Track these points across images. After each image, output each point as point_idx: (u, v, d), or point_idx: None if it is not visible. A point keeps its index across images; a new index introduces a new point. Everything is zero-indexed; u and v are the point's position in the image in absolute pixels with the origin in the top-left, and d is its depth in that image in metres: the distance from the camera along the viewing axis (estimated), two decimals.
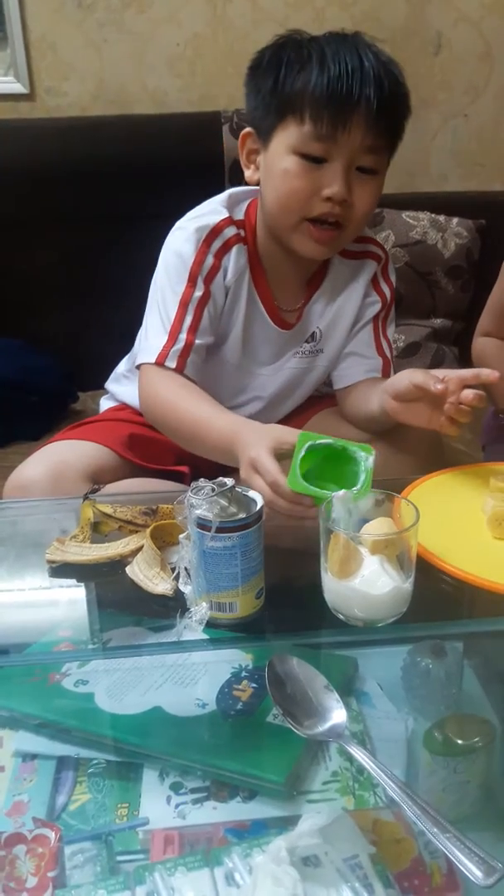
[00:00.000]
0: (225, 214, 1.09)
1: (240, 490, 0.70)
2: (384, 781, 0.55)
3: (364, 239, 1.16)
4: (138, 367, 1.09)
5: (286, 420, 1.22)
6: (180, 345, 1.04)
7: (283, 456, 0.82)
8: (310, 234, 1.03)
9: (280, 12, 1.80)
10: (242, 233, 1.10)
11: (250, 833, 0.64)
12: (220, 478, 0.68)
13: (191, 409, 1.00)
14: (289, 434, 0.84)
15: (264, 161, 1.05)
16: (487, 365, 1.30)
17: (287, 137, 1.00)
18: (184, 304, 1.06)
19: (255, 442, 0.85)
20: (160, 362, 1.04)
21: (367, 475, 0.77)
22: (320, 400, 1.27)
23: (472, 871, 0.51)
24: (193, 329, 1.05)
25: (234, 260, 1.09)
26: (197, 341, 1.06)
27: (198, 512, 0.66)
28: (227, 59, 1.82)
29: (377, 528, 0.71)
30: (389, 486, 0.77)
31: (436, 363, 1.73)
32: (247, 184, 1.12)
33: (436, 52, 1.87)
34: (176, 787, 0.69)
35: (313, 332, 1.18)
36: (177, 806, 0.67)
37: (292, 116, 0.99)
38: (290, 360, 1.18)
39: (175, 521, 0.75)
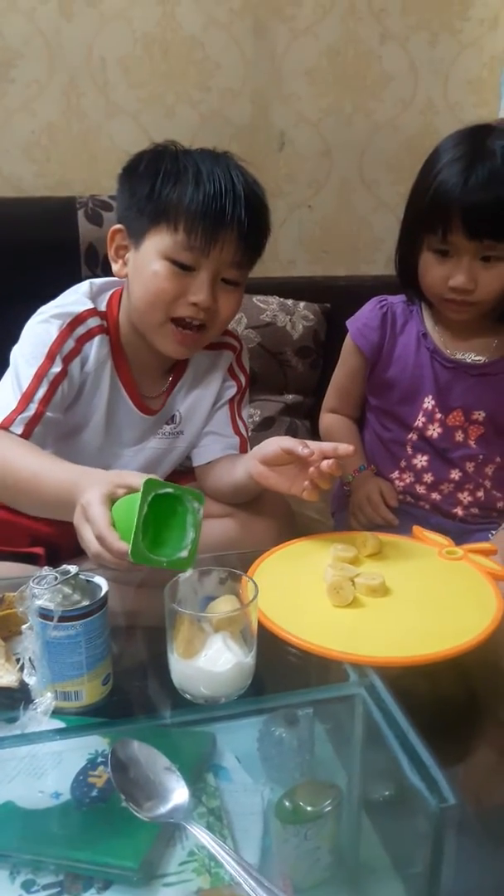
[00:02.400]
0: (89, 305, 1.11)
1: (84, 577, 0.71)
2: (221, 856, 0.56)
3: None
4: None
5: None
6: (30, 413, 1.03)
7: (116, 500, 0.80)
8: (173, 335, 1.08)
9: (132, 106, 1.88)
10: (105, 324, 1.13)
11: None
12: (64, 565, 0.69)
13: (28, 462, 0.95)
14: (126, 477, 0.84)
15: (134, 259, 1.09)
16: (334, 438, 1.40)
17: (159, 242, 1.05)
18: (39, 377, 1.05)
19: (90, 486, 0.83)
20: (5, 426, 1.01)
21: (196, 529, 0.79)
22: (183, 475, 1.29)
23: None
24: (46, 401, 1.05)
25: (96, 349, 1.11)
26: (47, 413, 1.04)
27: (39, 602, 0.66)
28: (83, 147, 1.88)
29: (222, 605, 0.73)
30: (243, 557, 0.81)
31: (289, 436, 1.80)
32: (105, 271, 1.15)
33: (280, 148, 2.01)
34: (27, 886, 0.66)
35: (174, 415, 1.22)
36: None
37: (166, 224, 1.04)
38: (151, 441, 1.21)
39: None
